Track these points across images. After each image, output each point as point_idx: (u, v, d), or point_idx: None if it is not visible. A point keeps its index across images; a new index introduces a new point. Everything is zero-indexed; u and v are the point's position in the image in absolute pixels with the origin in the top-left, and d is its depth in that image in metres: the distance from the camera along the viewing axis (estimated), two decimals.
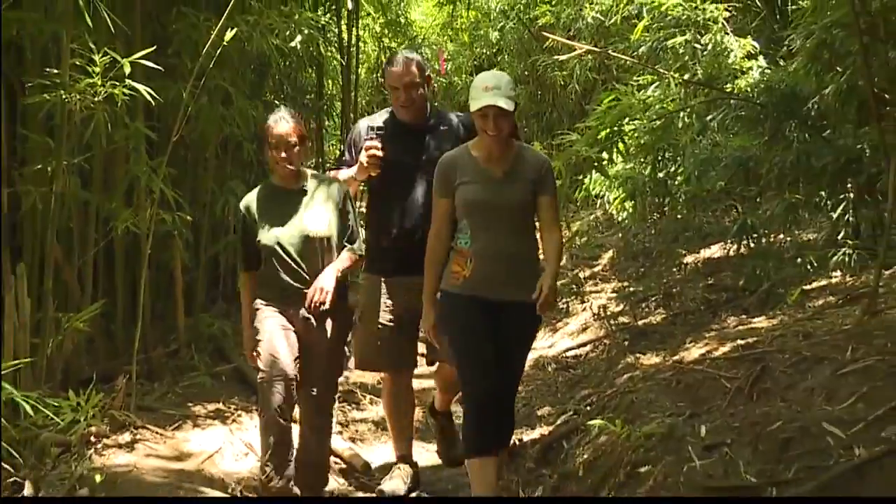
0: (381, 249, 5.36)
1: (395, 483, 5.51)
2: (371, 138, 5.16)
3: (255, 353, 4.86)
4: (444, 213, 4.73)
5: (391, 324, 5.33)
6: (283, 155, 4.80)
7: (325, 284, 4.80)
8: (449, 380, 5.50)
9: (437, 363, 5.56)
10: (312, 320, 4.88)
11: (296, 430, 5.04)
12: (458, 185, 4.66)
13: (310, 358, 4.93)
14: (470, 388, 4.64)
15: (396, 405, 5.71)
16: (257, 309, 4.92)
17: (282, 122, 4.78)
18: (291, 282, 4.86)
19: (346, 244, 5.05)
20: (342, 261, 4.98)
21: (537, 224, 4.86)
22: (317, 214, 4.90)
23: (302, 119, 5.05)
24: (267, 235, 4.86)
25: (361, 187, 5.68)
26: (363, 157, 5.08)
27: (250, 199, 4.99)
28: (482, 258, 4.61)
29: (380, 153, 5.06)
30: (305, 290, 4.83)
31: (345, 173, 5.28)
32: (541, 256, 4.94)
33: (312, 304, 4.77)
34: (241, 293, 5.13)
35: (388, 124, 5.30)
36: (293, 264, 4.85)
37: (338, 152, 6.02)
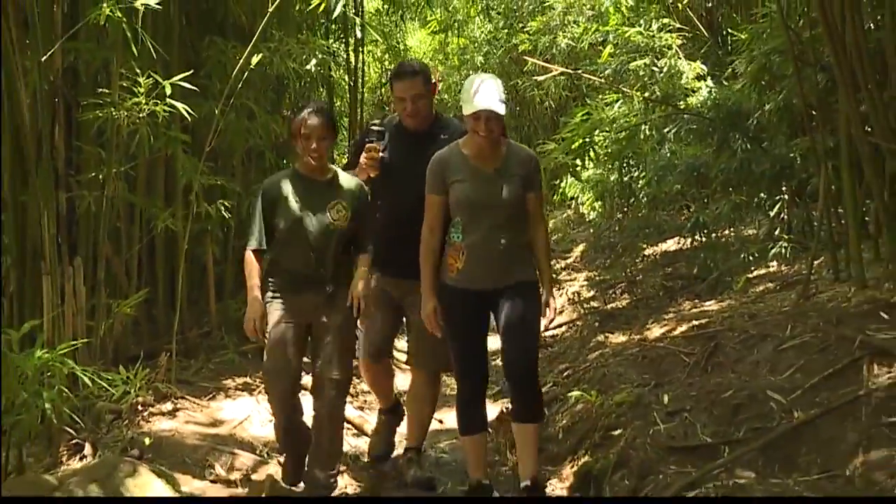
0: (377, 251, 4.77)
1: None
2: (371, 140, 4.77)
3: (254, 327, 4.33)
4: (436, 210, 4.38)
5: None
6: (314, 146, 4.40)
7: (361, 293, 4.43)
8: (417, 388, 5.11)
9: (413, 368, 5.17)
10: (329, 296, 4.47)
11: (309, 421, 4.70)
12: (451, 183, 4.33)
13: (324, 336, 4.50)
14: (460, 379, 4.47)
15: (375, 378, 5.32)
16: (267, 302, 4.45)
17: (314, 116, 4.41)
18: (302, 268, 4.46)
19: (360, 249, 4.62)
20: (364, 263, 4.57)
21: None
22: (339, 208, 4.48)
23: (332, 116, 4.72)
24: (288, 219, 4.43)
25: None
26: (363, 158, 4.74)
27: (273, 182, 4.57)
28: (474, 251, 4.31)
29: (378, 155, 4.71)
30: (315, 275, 4.45)
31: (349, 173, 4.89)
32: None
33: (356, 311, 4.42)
34: (246, 270, 4.48)
35: (392, 128, 4.88)
36: (309, 251, 4.44)
37: (345, 160, 5.71)
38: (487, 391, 5.02)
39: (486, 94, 4.19)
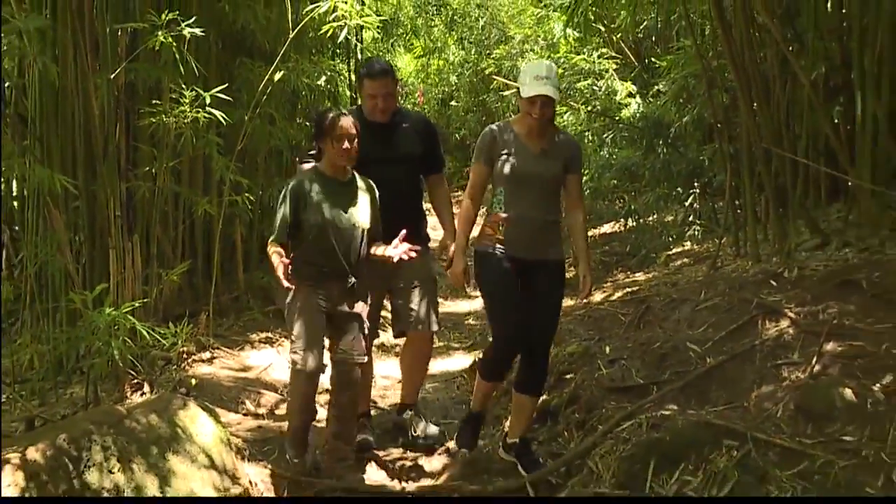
0: None
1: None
2: None
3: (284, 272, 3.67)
4: (481, 179, 3.95)
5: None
6: (346, 146, 3.82)
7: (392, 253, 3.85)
8: (418, 349, 4.54)
9: (406, 335, 4.53)
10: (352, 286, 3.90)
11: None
12: (500, 155, 3.86)
13: (345, 323, 3.95)
14: (497, 334, 3.92)
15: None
16: (297, 288, 3.82)
17: (346, 118, 3.86)
18: (325, 262, 3.83)
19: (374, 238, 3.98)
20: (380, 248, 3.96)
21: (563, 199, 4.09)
22: (363, 208, 3.93)
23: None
24: (317, 216, 3.82)
25: None
26: None
27: (300, 182, 3.87)
28: (516, 222, 3.82)
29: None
30: (340, 270, 3.86)
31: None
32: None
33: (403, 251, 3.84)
34: (269, 252, 3.76)
35: (358, 120, 3.98)
36: (336, 247, 3.82)
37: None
38: (461, 343, 5.02)
39: (542, 80, 3.73)
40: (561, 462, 3.89)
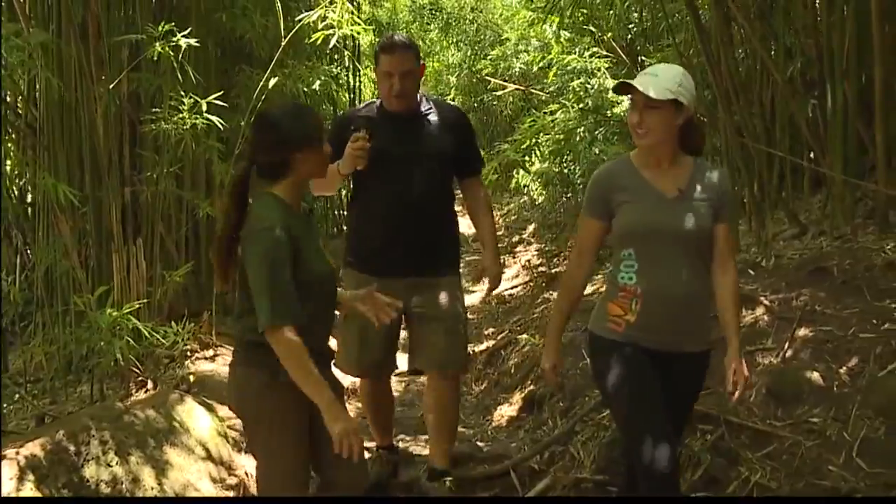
0: (372, 249, 3.40)
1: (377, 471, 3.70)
2: (358, 128, 3.25)
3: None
4: (592, 238, 2.74)
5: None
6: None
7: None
8: (441, 396, 3.54)
9: (426, 376, 3.69)
10: None
11: None
12: (619, 204, 2.64)
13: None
14: (645, 464, 2.48)
15: (377, 407, 3.78)
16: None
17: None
18: (325, 327, 2.69)
19: None
20: None
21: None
22: None
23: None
24: (321, 262, 2.60)
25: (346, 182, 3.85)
26: (350, 148, 3.20)
27: (279, 220, 2.44)
28: (652, 299, 2.59)
29: (367, 144, 3.19)
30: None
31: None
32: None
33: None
34: (295, 359, 2.39)
35: (375, 114, 3.44)
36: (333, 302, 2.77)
37: None
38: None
39: (648, 76, 2.59)
40: (541, 446, 3.95)
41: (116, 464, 3.24)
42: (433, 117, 3.47)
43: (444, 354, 3.44)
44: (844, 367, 3.51)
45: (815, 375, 3.51)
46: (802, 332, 3.87)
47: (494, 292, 3.62)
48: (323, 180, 3.10)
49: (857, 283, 4.05)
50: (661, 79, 2.54)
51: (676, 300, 2.59)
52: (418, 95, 3.46)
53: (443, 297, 3.45)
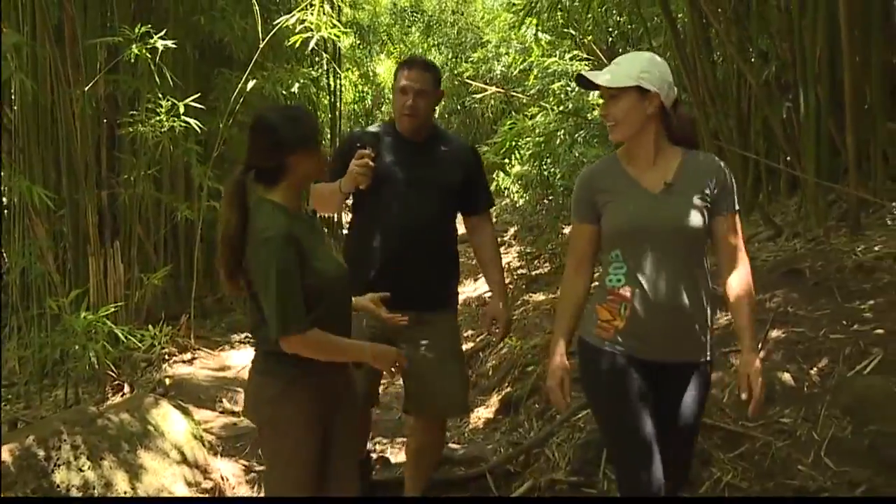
0: (367, 281, 2.94)
1: None
2: (363, 146, 3.02)
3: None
4: (584, 243, 2.52)
5: None
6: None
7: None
8: (430, 440, 3.35)
9: (414, 417, 3.33)
10: None
11: None
12: (604, 204, 2.45)
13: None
14: (626, 480, 2.42)
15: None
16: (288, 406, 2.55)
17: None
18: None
19: None
20: None
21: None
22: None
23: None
24: (329, 264, 2.49)
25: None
26: (353, 166, 2.96)
27: (287, 224, 2.39)
28: (642, 305, 2.36)
29: (372, 163, 2.97)
30: None
31: (328, 186, 3.07)
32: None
33: None
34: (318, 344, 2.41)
35: (383, 134, 3.22)
36: (349, 307, 2.68)
37: None
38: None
39: (609, 66, 2.46)
40: (519, 450, 3.95)
41: (88, 468, 3.22)
42: (443, 147, 3.25)
43: (446, 400, 3.20)
44: (815, 368, 3.53)
45: (787, 376, 3.53)
46: (775, 333, 3.88)
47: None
48: (324, 197, 3.04)
49: (828, 285, 4.08)
50: (623, 67, 2.40)
51: (666, 304, 2.35)
52: (432, 125, 3.28)
53: (441, 336, 3.20)
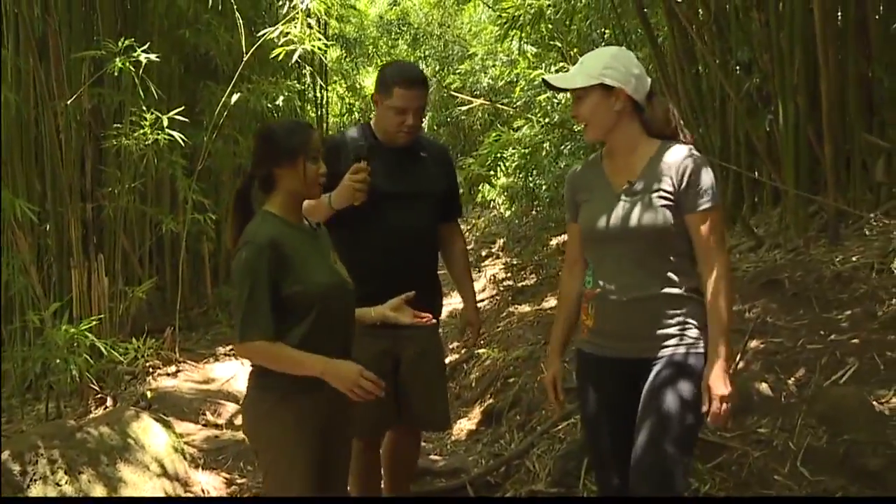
0: (359, 297, 2.52)
1: None
2: (358, 158, 2.80)
3: None
4: (575, 242, 2.51)
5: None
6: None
7: None
8: (407, 451, 3.29)
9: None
10: None
11: None
12: (580, 204, 2.46)
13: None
14: (596, 481, 2.66)
15: (365, 482, 3.15)
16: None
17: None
18: (334, 349, 2.42)
19: None
20: None
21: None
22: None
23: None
24: (321, 275, 2.40)
25: None
26: (349, 180, 2.76)
27: (275, 232, 2.34)
28: (604, 303, 2.35)
29: (369, 177, 2.77)
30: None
31: (314, 202, 2.69)
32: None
33: None
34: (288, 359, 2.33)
35: (368, 143, 2.97)
36: (346, 322, 2.51)
37: None
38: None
39: (575, 66, 2.40)
40: (500, 462, 3.96)
41: (66, 483, 3.21)
42: (423, 153, 3.09)
43: (430, 412, 3.14)
44: (792, 378, 3.55)
45: (764, 386, 3.55)
46: (754, 343, 3.91)
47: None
48: (311, 214, 2.65)
49: (807, 295, 4.11)
50: (585, 66, 2.35)
51: (626, 304, 2.31)
52: None
53: (428, 349, 3.11)
